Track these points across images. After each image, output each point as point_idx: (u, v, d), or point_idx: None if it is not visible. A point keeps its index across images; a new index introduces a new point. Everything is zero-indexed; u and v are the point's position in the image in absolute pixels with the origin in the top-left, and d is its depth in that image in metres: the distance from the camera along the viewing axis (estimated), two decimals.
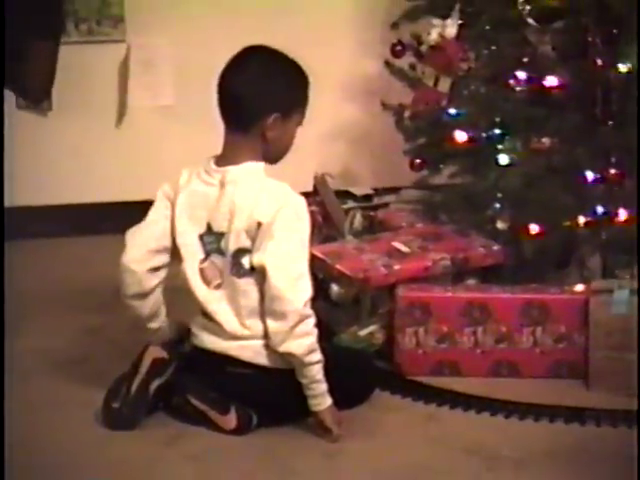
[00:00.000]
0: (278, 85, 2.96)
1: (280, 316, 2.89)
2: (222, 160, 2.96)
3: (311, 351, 2.90)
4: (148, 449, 2.90)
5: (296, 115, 2.98)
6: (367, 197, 3.85)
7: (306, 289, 2.91)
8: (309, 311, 2.90)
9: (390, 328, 3.26)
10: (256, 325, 2.95)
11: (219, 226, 2.94)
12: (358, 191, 3.74)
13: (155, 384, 2.96)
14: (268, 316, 2.91)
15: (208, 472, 2.82)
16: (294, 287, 2.89)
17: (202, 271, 2.99)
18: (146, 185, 4.26)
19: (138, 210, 4.14)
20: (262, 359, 2.95)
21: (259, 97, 2.93)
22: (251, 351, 2.95)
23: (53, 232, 4.08)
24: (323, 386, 2.92)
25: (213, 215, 2.95)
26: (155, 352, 2.98)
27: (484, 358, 3.24)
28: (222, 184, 2.93)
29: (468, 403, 3.11)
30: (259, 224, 2.89)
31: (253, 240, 2.90)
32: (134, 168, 4.25)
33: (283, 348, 2.89)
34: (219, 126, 4.23)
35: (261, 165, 2.95)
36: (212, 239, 2.97)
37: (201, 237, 2.98)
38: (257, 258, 2.89)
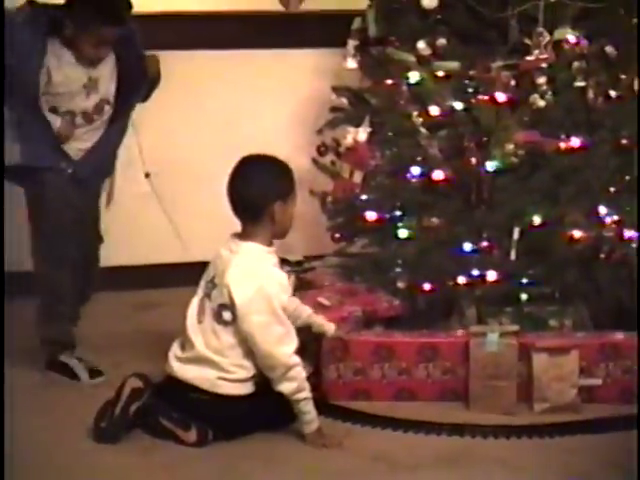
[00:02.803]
0: (275, 179, 2.98)
1: (271, 368, 2.92)
2: (240, 235, 3.00)
3: (297, 391, 2.92)
4: (128, 458, 2.89)
5: (291, 198, 3.00)
6: (299, 263, 3.82)
7: (289, 343, 2.93)
8: (295, 360, 2.92)
9: (317, 363, 3.24)
10: (218, 359, 2.95)
11: (218, 279, 2.97)
12: (292, 258, 3.72)
13: (133, 408, 2.95)
14: (262, 368, 2.94)
15: (175, 477, 2.83)
16: (279, 345, 2.91)
17: (199, 306, 3.02)
18: (128, 250, 4.27)
19: (126, 271, 4.14)
20: (217, 388, 2.97)
21: (265, 193, 2.95)
22: (208, 382, 2.96)
23: None
24: (307, 417, 2.94)
25: (218, 270, 2.98)
26: (133, 382, 2.96)
27: (389, 387, 3.23)
28: (231, 251, 2.98)
29: (375, 421, 3.11)
30: (233, 299, 2.91)
31: (231, 302, 2.92)
32: (120, 238, 4.14)
33: (276, 389, 2.93)
34: (179, 207, 4.27)
35: (260, 248, 2.96)
36: (210, 286, 3.00)
37: (207, 282, 3.02)
38: (244, 328, 2.91)
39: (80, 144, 3.39)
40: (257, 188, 2.96)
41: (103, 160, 3.47)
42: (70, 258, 3.39)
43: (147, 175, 3.52)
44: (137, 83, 3.44)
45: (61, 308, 3.41)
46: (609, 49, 3.43)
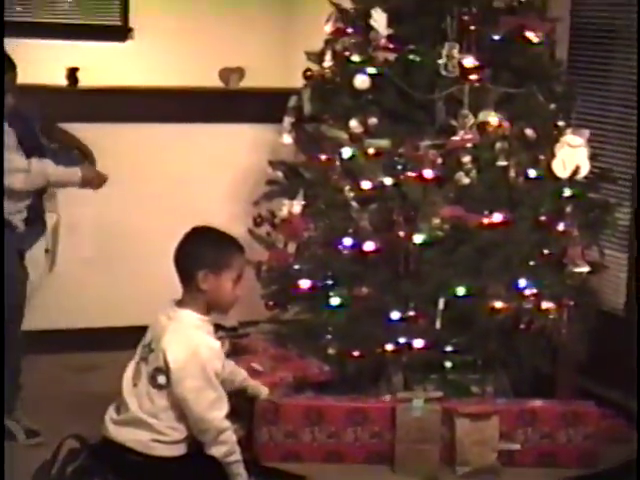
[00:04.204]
0: (205, 249, 2.93)
1: (203, 432, 2.87)
2: (178, 302, 2.96)
3: (228, 454, 2.87)
4: None
5: (227, 273, 2.92)
6: (233, 328, 3.76)
7: (221, 408, 2.88)
8: (226, 424, 2.87)
9: (249, 426, 3.23)
10: (152, 421, 2.91)
11: (154, 344, 2.93)
12: (226, 323, 3.65)
13: (70, 468, 2.85)
14: (194, 431, 2.89)
15: None
16: (211, 410, 2.87)
17: (134, 370, 2.97)
18: (66, 313, 4.22)
19: (64, 334, 4.09)
20: (150, 450, 2.90)
21: (189, 258, 2.93)
22: (142, 444, 2.90)
23: None
24: (238, 478, 2.89)
25: (156, 335, 2.94)
26: (70, 444, 2.91)
27: (319, 449, 3.25)
28: (168, 317, 2.95)
29: None
30: (168, 364, 2.87)
31: (166, 366, 2.89)
32: (59, 301, 4.16)
33: (208, 452, 2.88)
34: (118, 272, 4.23)
35: (195, 316, 2.92)
36: (147, 350, 2.95)
37: (144, 346, 2.97)
38: (178, 392, 2.87)
39: (23, 214, 3.35)
40: (184, 254, 2.96)
41: (42, 227, 3.43)
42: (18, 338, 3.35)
43: (47, 251, 3.50)
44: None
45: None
46: (529, 131, 3.52)
